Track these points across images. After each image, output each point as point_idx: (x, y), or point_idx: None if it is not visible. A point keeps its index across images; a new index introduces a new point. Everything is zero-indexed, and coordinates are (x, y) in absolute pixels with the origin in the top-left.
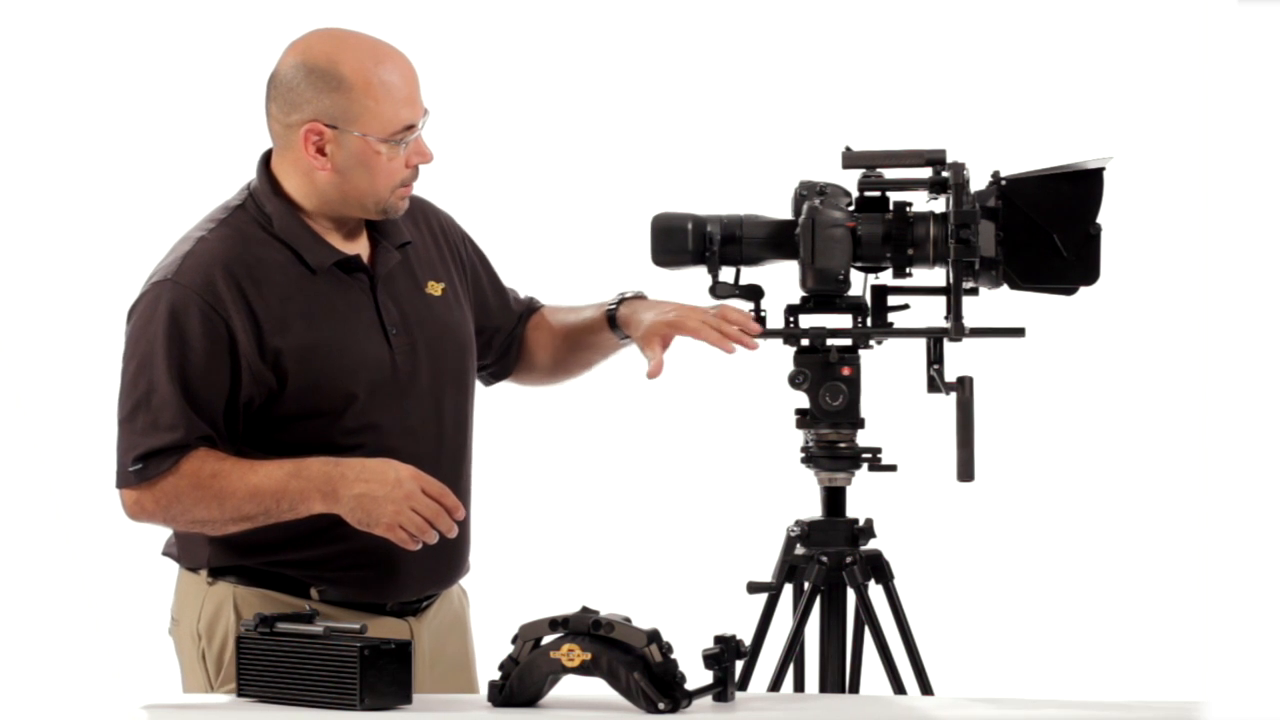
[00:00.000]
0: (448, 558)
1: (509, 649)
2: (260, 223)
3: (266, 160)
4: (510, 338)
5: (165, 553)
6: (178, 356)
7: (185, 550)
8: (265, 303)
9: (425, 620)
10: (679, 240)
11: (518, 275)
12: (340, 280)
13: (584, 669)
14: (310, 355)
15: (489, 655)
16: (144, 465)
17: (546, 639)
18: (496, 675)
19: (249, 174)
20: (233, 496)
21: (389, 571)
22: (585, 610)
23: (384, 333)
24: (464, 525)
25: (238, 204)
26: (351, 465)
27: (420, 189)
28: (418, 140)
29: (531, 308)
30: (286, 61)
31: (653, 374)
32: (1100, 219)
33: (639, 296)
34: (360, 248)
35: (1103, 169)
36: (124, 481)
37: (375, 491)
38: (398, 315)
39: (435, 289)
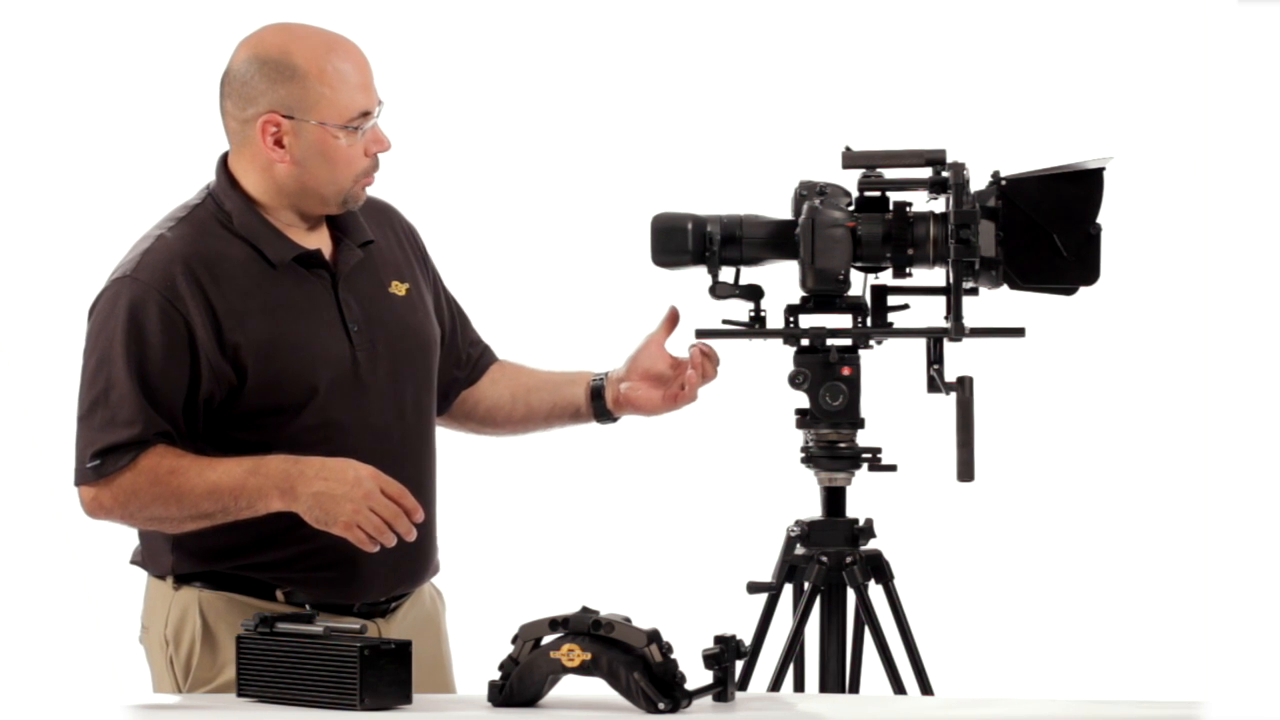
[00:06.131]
0: (413, 557)
1: (509, 649)
2: (220, 220)
3: (224, 160)
4: (452, 382)
5: (133, 561)
6: (136, 353)
7: (151, 557)
8: (224, 298)
9: (394, 621)
10: (679, 240)
11: (518, 276)
12: (301, 276)
13: (584, 669)
14: (270, 349)
15: (486, 655)
16: (101, 461)
17: (546, 639)
18: (496, 675)
19: (210, 175)
20: (191, 493)
21: (353, 572)
22: (585, 610)
23: (345, 329)
24: (429, 524)
25: (197, 202)
26: (311, 463)
27: (418, 188)
28: (375, 128)
29: (485, 359)
30: (238, 57)
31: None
32: (1100, 219)
33: (605, 379)
34: (322, 244)
35: (1103, 169)
36: (82, 478)
37: (334, 490)
38: (359, 313)
39: (399, 289)
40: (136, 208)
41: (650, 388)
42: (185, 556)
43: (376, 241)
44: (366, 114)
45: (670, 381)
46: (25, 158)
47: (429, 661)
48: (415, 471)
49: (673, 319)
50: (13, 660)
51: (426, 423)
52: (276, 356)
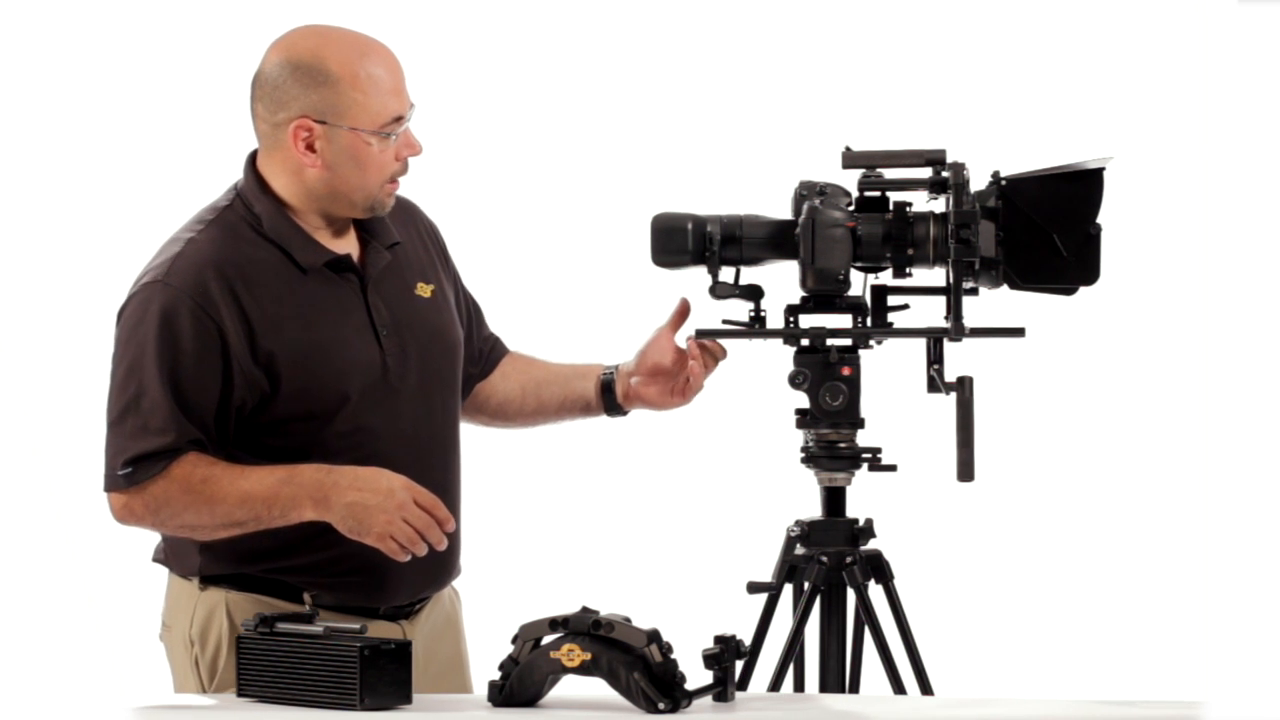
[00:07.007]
0: (440, 561)
1: (509, 649)
2: (249, 223)
3: (253, 160)
4: (467, 378)
5: (156, 559)
6: (169, 359)
7: (176, 557)
8: (257, 304)
9: (418, 623)
10: (679, 240)
11: (519, 275)
12: (330, 280)
13: (584, 669)
14: (304, 357)
15: (488, 655)
16: (134, 469)
17: (546, 639)
18: (496, 675)
19: (237, 174)
20: (224, 502)
21: (382, 576)
22: (585, 610)
23: (375, 334)
24: (455, 529)
25: (225, 204)
26: (344, 473)
27: (419, 188)
28: (406, 132)
29: (497, 353)
30: (270, 60)
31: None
32: (1100, 219)
33: (615, 373)
34: (350, 247)
35: (1103, 169)
36: (112, 485)
37: (368, 501)
38: (388, 317)
39: (424, 291)
40: (159, 210)
41: (657, 382)
42: (214, 558)
43: (402, 242)
44: (399, 119)
45: (675, 376)
46: (45, 161)
47: (450, 662)
48: (442, 476)
49: (683, 311)
50: (25, 655)
51: (453, 426)
52: (309, 364)
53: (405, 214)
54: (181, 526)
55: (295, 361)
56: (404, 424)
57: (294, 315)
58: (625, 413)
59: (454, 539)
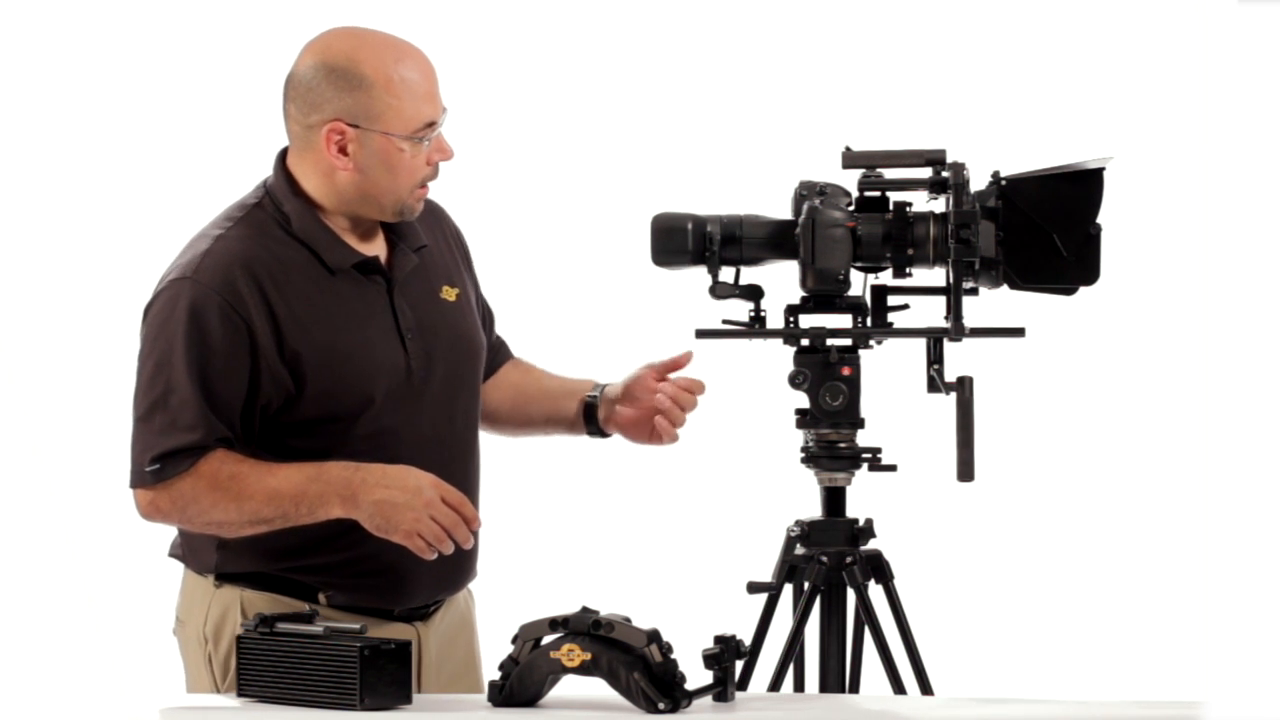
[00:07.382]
0: (459, 564)
1: (509, 649)
2: (278, 221)
3: (283, 159)
4: None
5: (172, 554)
6: (197, 356)
7: (193, 553)
8: (286, 304)
9: (433, 625)
10: (679, 240)
11: (518, 275)
12: (357, 282)
13: (584, 669)
14: (330, 358)
15: (490, 655)
16: (161, 466)
17: (546, 639)
18: (496, 675)
19: (264, 172)
20: (251, 499)
21: (400, 578)
22: (585, 610)
23: (400, 337)
24: (475, 533)
25: (254, 202)
26: (372, 471)
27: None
28: (438, 137)
29: (499, 358)
30: (304, 62)
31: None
32: (1100, 219)
33: (599, 396)
34: (378, 249)
35: (1103, 169)
36: (139, 481)
37: (396, 499)
38: (413, 320)
39: (449, 294)
40: (184, 207)
41: (635, 424)
42: (232, 556)
43: (429, 245)
44: (431, 124)
45: (647, 420)
46: (75, 158)
47: (463, 662)
48: (463, 479)
49: (679, 364)
50: (39, 652)
51: (474, 430)
52: (335, 366)
53: (432, 217)
54: (208, 523)
55: (321, 363)
56: (426, 427)
57: (321, 316)
58: (607, 435)
59: (474, 542)
